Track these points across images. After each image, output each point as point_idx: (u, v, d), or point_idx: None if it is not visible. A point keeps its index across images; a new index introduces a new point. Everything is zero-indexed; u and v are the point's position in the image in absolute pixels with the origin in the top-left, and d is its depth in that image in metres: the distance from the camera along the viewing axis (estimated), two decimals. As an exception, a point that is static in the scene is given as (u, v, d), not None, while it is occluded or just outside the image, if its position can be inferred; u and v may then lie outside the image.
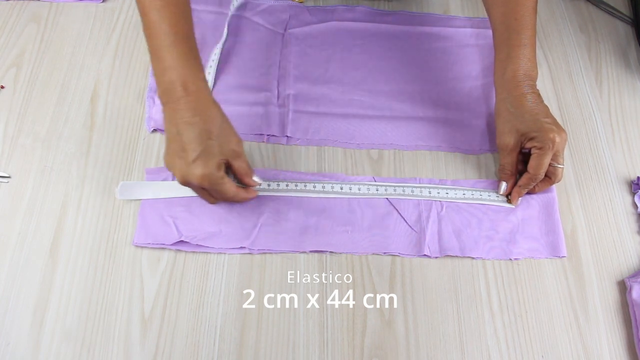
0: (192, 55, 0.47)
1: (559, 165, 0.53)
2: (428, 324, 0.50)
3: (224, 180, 0.47)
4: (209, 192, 0.48)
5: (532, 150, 0.52)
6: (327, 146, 0.58)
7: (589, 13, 0.73)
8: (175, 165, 0.45)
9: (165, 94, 0.46)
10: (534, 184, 0.54)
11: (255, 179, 0.51)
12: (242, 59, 0.63)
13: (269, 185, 0.54)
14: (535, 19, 0.55)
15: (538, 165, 0.52)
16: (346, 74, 0.63)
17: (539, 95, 0.54)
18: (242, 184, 0.51)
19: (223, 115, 0.48)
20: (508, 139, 0.53)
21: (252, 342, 0.48)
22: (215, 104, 0.48)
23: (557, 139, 0.50)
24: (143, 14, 0.47)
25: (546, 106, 0.53)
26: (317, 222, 0.53)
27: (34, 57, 0.61)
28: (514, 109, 0.53)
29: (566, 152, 0.60)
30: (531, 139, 0.52)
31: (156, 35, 0.46)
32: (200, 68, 0.48)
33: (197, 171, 0.44)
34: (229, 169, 0.49)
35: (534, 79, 0.54)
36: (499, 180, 0.56)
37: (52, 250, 0.50)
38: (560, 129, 0.51)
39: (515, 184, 0.55)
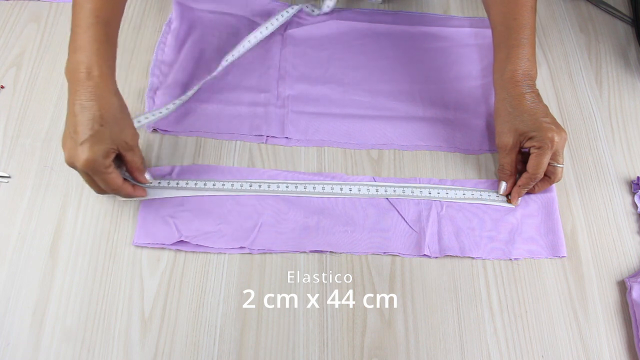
0: (106, 42, 0.47)
1: (559, 165, 0.53)
2: (428, 324, 0.50)
3: (109, 170, 0.46)
4: (93, 180, 0.47)
5: (531, 150, 0.52)
6: (327, 146, 0.58)
7: (589, 13, 0.73)
8: (66, 145, 0.45)
9: (70, 72, 0.46)
10: (534, 183, 0.54)
11: (147, 176, 0.51)
12: (241, 59, 0.63)
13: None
14: (535, 18, 0.55)
15: (537, 164, 0.51)
16: (346, 74, 0.63)
17: (538, 94, 0.53)
18: (134, 179, 0.51)
19: (122, 106, 0.48)
20: (507, 139, 0.53)
21: (252, 342, 0.48)
22: (117, 94, 0.48)
23: (556, 139, 0.50)
24: None
25: (545, 105, 0.53)
26: (317, 222, 0.53)
27: (34, 57, 0.61)
28: (513, 108, 0.53)
29: (566, 152, 0.60)
30: (530, 138, 0.52)
31: (77, 13, 0.47)
32: (110, 56, 0.48)
33: (82, 154, 0.44)
34: (121, 162, 0.49)
35: (533, 78, 0.54)
36: (499, 180, 0.56)
37: (52, 250, 0.50)
38: (559, 128, 0.51)
39: (515, 183, 0.55)
